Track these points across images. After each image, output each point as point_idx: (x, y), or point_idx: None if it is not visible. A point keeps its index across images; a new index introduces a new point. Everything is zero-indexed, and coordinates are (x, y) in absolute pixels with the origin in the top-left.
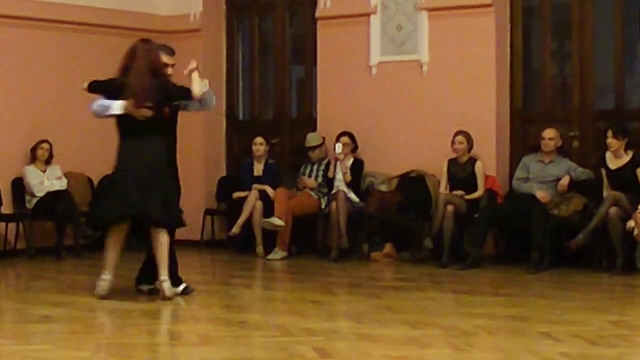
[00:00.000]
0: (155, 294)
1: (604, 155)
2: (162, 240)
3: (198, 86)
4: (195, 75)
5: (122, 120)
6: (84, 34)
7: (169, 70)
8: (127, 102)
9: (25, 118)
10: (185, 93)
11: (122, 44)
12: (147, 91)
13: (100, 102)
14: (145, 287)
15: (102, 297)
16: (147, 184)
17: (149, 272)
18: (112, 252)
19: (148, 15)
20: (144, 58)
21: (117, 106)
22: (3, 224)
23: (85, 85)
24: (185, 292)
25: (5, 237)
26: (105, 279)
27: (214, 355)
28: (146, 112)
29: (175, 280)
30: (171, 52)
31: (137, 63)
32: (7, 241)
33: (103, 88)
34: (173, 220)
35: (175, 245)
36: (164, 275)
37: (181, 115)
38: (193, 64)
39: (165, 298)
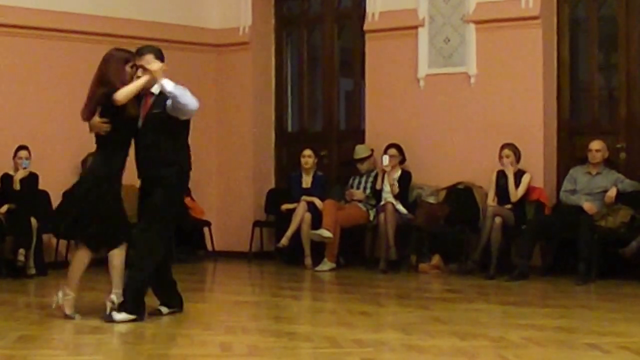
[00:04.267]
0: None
1: None
2: (112, 261)
3: (127, 89)
4: (142, 79)
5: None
6: (134, 47)
7: (139, 72)
8: (82, 117)
9: (75, 131)
10: (107, 97)
11: (174, 57)
12: (89, 102)
13: None
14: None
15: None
16: (83, 202)
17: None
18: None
19: (198, 29)
20: (98, 67)
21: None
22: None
23: None
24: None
25: (57, 248)
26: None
27: None
28: (101, 126)
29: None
30: (140, 52)
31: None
32: (58, 252)
33: None
34: (102, 242)
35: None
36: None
37: (232, 128)
38: (148, 65)
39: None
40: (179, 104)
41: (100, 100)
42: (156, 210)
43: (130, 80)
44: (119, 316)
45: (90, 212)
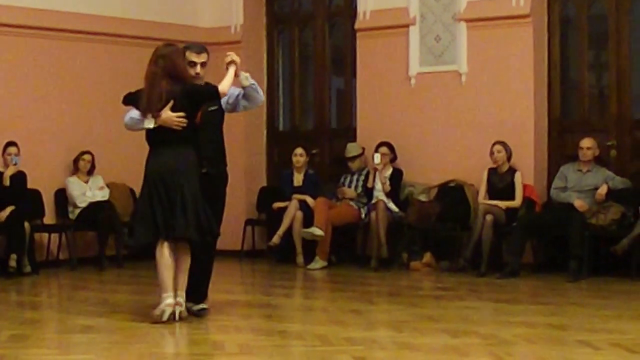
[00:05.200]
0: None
1: None
2: (184, 258)
3: (228, 82)
4: (231, 69)
5: (152, 130)
6: (126, 46)
7: (197, 69)
8: (158, 113)
9: (67, 130)
10: (211, 92)
11: None
12: (160, 98)
13: (131, 114)
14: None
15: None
16: (172, 200)
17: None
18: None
19: (190, 28)
20: (157, 63)
21: (149, 120)
22: (46, 234)
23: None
24: (199, 313)
25: (48, 247)
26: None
27: None
28: (180, 121)
29: (201, 297)
30: (199, 50)
31: (150, 68)
32: (50, 251)
33: (131, 100)
34: (205, 235)
35: (213, 259)
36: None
37: (223, 126)
38: (228, 58)
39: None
40: (258, 94)
41: (174, 95)
42: (222, 205)
43: None
44: (205, 305)
45: (205, 209)
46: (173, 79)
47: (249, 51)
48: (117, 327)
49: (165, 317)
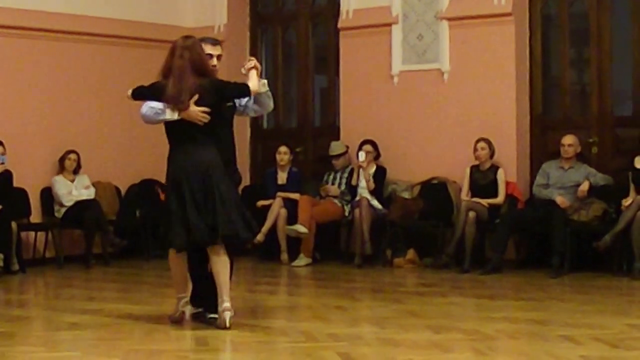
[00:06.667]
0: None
1: (633, 158)
2: (223, 259)
3: (255, 82)
4: (253, 73)
5: (173, 126)
6: (111, 46)
7: (214, 61)
8: (181, 106)
9: (53, 129)
10: (242, 90)
11: (149, 55)
12: (190, 92)
13: (151, 104)
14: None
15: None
16: (202, 198)
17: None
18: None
19: (173, 27)
20: (182, 55)
21: (170, 111)
22: (32, 233)
23: (129, 92)
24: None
25: (35, 245)
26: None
27: None
28: (204, 117)
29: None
30: (215, 42)
31: (175, 61)
32: (36, 250)
33: (147, 93)
34: (237, 234)
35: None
36: (227, 302)
37: None
38: (250, 63)
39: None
40: (269, 101)
41: (201, 89)
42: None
43: None
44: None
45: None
46: (198, 72)
47: (233, 51)
48: (103, 324)
49: (187, 316)
